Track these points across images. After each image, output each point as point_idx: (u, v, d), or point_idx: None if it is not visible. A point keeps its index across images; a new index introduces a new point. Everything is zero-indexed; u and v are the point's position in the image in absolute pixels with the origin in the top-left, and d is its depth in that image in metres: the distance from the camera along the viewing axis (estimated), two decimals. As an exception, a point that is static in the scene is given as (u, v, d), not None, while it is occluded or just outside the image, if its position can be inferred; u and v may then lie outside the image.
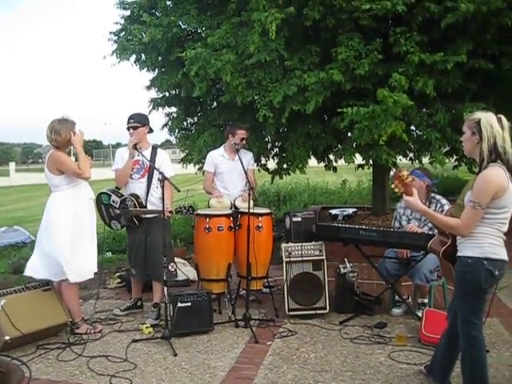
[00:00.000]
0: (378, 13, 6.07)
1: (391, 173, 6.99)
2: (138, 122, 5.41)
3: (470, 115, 3.41)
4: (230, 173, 5.97)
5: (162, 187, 4.89)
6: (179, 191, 5.08)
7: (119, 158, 5.48)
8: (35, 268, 5.02)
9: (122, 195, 5.44)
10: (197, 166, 8.75)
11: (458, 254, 3.43)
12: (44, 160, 5.13)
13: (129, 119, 5.42)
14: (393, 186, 3.47)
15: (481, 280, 3.30)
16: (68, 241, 4.89)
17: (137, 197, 5.34)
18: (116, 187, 5.56)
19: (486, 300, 3.44)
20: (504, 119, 3.31)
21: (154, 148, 5.49)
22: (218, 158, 6.02)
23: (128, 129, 5.40)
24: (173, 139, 9.23)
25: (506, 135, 3.28)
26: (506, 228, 3.36)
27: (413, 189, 3.49)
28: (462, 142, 3.52)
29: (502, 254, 3.34)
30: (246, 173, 5.56)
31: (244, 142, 5.92)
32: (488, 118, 3.28)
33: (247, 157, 6.04)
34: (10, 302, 4.71)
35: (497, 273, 3.31)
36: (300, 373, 4.18)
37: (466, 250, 3.36)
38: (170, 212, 5.12)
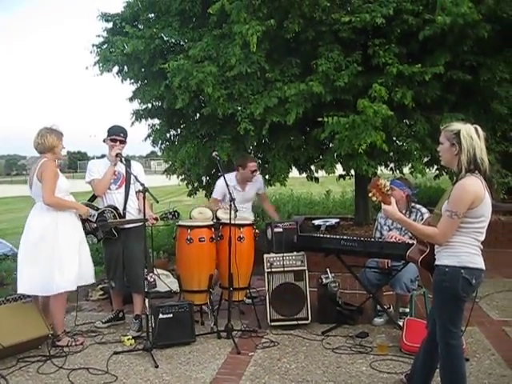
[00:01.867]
0: (358, 25, 6.15)
1: (371, 183, 7.02)
2: (125, 136, 5.48)
3: (448, 126, 3.45)
4: (239, 202, 5.92)
5: (144, 198, 4.91)
6: (158, 202, 5.08)
7: (94, 169, 5.47)
8: (30, 283, 4.93)
9: (99, 208, 5.43)
10: (180, 177, 8.76)
11: (436, 262, 3.46)
12: (28, 171, 5.11)
13: (119, 132, 5.43)
14: (370, 194, 3.49)
15: (458, 289, 3.33)
16: (58, 251, 4.89)
17: (115, 208, 5.35)
18: (89, 199, 5.56)
19: (463, 308, 3.46)
20: (480, 130, 3.36)
21: (128, 160, 5.50)
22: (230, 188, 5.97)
23: (115, 141, 5.39)
24: (158, 150, 9.20)
25: (483, 145, 3.34)
26: (482, 237, 3.40)
27: (391, 198, 3.52)
28: (439, 152, 3.55)
29: (479, 263, 3.38)
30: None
31: (255, 173, 5.94)
32: (468, 130, 3.32)
33: (258, 182, 6.17)
34: (-11, 315, 4.68)
35: (474, 281, 3.34)
36: (281, 383, 4.19)
37: (443, 258, 3.40)
38: (155, 219, 5.11)
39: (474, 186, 3.26)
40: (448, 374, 3.52)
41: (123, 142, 5.43)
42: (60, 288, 4.93)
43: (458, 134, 3.32)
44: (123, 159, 5.33)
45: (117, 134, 5.42)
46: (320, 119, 6.19)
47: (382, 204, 3.54)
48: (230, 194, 5.22)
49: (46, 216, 4.93)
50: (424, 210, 5.31)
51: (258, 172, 6.22)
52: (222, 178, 5.68)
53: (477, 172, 3.30)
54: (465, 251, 3.34)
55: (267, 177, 7.83)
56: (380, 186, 3.45)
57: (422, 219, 4.99)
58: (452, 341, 3.45)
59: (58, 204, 4.94)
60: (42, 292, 4.99)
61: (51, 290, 4.93)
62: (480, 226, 3.35)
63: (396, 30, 6.32)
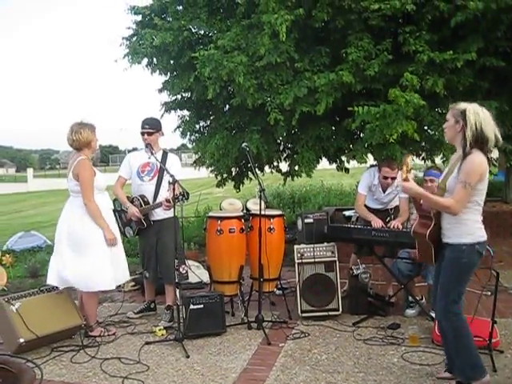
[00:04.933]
0: (387, 12, 6.03)
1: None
2: (153, 127, 5.47)
3: (455, 105, 3.69)
4: (378, 203, 5.99)
5: (173, 189, 4.93)
6: (188, 193, 5.07)
7: (126, 163, 5.56)
8: (61, 277, 5.01)
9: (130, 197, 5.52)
10: (209, 169, 8.77)
11: (450, 241, 3.67)
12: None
13: (143, 125, 5.46)
14: (404, 170, 3.68)
15: (475, 262, 3.65)
16: (97, 251, 4.96)
17: (142, 196, 5.39)
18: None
19: None
20: (485, 110, 3.58)
21: (165, 152, 5.53)
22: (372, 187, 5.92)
23: (142, 134, 5.44)
24: (187, 142, 9.23)
25: (489, 123, 3.54)
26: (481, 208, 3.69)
27: (409, 176, 3.69)
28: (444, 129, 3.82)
29: (485, 236, 3.68)
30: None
31: (388, 180, 5.70)
32: (474, 108, 3.55)
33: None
34: (24, 305, 4.77)
35: (484, 252, 3.68)
36: (312, 374, 4.18)
37: (458, 237, 3.63)
38: (167, 201, 5.11)
39: (482, 160, 3.52)
40: (458, 340, 3.72)
41: (150, 134, 5.44)
42: (98, 287, 5.03)
43: (463, 112, 3.55)
44: (153, 151, 5.36)
45: (142, 127, 5.47)
46: (350, 109, 6.12)
47: (403, 182, 3.71)
48: (259, 184, 5.20)
49: (86, 215, 4.96)
50: None
51: (397, 180, 5.65)
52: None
53: (481, 150, 3.52)
54: (476, 227, 3.63)
55: (296, 168, 7.80)
56: (408, 163, 3.67)
57: None
58: (456, 309, 3.69)
59: (94, 213, 4.93)
60: (81, 287, 5.06)
61: (89, 288, 5.00)
62: (482, 199, 3.65)
63: (427, 17, 6.19)
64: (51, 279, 5.04)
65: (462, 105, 3.61)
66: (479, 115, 3.51)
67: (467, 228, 3.60)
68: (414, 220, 4.07)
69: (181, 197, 4.93)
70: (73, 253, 4.94)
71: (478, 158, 3.50)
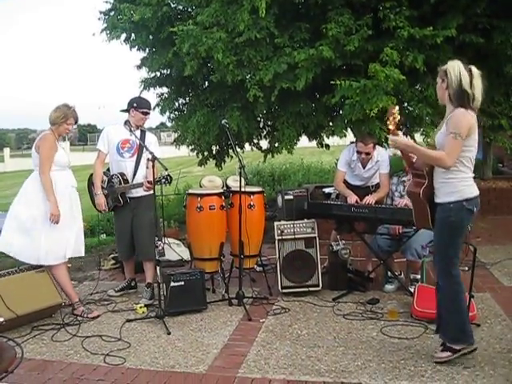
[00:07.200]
0: (368, -12, 6.02)
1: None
2: (150, 107, 5.62)
3: (443, 66, 3.71)
4: (358, 179, 6.03)
5: (153, 166, 4.91)
6: (167, 170, 5.04)
7: (105, 136, 5.50)
8: (11, 244, 5.00)
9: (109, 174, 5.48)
10: (190, 147, 8.70)
11: (439, 201, 3.72)
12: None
13: (147, 105, 5.55)
14: (388, 122, 3.70)
15: (464, 219, 3.67)
16: (42, 223, 4.92)
17: (122, 174, 5.36)
18: (108, 169, 5.56)
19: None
20: (474, 68, 3.60)
21: (143, 131, 5.50)
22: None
23: (145, 113, 5.46)
24: (166, 121, 9.11)
25: (476, 82, 3.56)
26: (472, 166, 3.70)
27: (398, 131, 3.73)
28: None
29: (475, 191, 3.70)
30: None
31: (362, 155, 5.72)
32: (454, 66, 3.60)
33: (378, 164, 5.79)
34: (3, 284, 4.74)
35: (475, 209, 3.68)
36: (292, 349, 4.21)
37: (445, 197, 3.67)
38: (149, 182, 5.07)
39: (466, 113, 3.54)
40: (452, 302, 3.76)
41: (148, 114, 5.53)
42: (47, 261, 4.99)
43: (445, 70, 3.63)
44: (132, 128, 5.33)
45: (149, 108, 5.56)
46: (332, 82, 6.07)
47: (391, 135, 3.73)
48: (239, 161, 5.18)
49: (41, 189, 4.95)
50: None
51: (373, 155, 5.74)
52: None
53: (466, 108, 3.54)
54: (463, 185, 3.64)
55: (276, 144, 7.78)
56: (395, 114, 3.67)
57: None
58: (454, 271, 3.74)
59: (46, 187, 4.90)
60: (28, 260, 5.02)
61: (37, 260, 4.98)
62: (472, 156, 3.66)
63: (407, -8, 6.16)
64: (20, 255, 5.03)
65: (448, 64, 3.65)
66: (460, 73, 3.54)
67: (453, 186, 3.62)
68: (409, 180, 4.10)
69: (163, 180, 4.92)
70: (22, 224, 4.94)
71: (463, 111, 3.53)
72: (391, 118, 3.68)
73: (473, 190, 3.67)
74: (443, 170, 3.63)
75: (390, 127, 3.68)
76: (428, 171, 3.75)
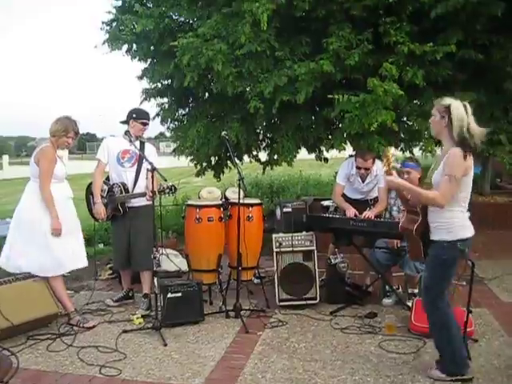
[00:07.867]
0: (369, 3, 6.05)
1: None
2: (149, 118, 5.66)
3: (440, 100, 3.71)
4: (357, 193, 6.06)
5: (152, 177, 4.93)
6: (166, 180, 5.06)
7: (105, 147, 5.51)
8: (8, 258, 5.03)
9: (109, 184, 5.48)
10: (188, 158, 8.70)
11: (434, 238, 3.74)
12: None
13: (146, 116, 5.61)
14: (384, 162, 3.76)
15: (456, 257, 3.70)
16: (40, 235, 4.91)
17: (123, 184, 5.36)
18: (107, 178, 5.56)
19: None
20: (468, 106, 3.62)
21: (142, 142, 5.53)
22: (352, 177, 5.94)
23: (145, 124, 5.51)
24: (166, 131, 9.12)
25: (471, 120, 3.57)
26: (467, 203, 3.76)
27: (392, 171, 3.76)
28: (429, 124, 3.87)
29: (470, 233, 3.74)
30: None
31: (361, 170, 5.75)
32: (457, 105, 3.58)
33: (377, 179, 5.82)
34: (-1, 293, 4.71)
35: (466, 250, 3.71)
36: (289, 362, 4.20)
37: (441, 234, 3.69)
38: (153, 192, 5.08)
39: (463, 155, 3.53)
40: (440, 332, 3.83)
41: (147, 124, 5.58)
42: (50, 272, 5.01)
43: (448, 107, 3.59)
44: (132, 139, 5.36)
45: (148, 119, 5.60)
46: (330, 96, 6.10)
47: (385, 175, 3.81)
48: (238, 173, 5.19)
49: (39, 200, 4.95)
50: None
51: (371, 170, 5.78)
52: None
53: (464, 146, 3.54)
54: (459, 225, 3.68)
55: (275, 157, 7.79)
56: (389, 156, 3.71)
57: None
58: (441, 303, 3.78)
59: (47, 201, 4.91)
60: (35, 272, 5.03)
61: (41, 272, 5.00)
62: (467, 196, 3.71)
63: (408, 8, 6.19)
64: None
65: (447, 100, 3.63)
66: (464, 111, 3.55)
67: (448, 226, 3.65)
68: (403, 216, 4.09)
69: (167, 190, 4.95)
70: (23, 238, 4.94)
71: (458, 152, 3.52)
72: (385, 160, 3.73)
73: (467, 232, 3.71)
74: (438, 209, 3.66)
75: (385, 168, 3.75)
76: (421, 208, 3.79)
